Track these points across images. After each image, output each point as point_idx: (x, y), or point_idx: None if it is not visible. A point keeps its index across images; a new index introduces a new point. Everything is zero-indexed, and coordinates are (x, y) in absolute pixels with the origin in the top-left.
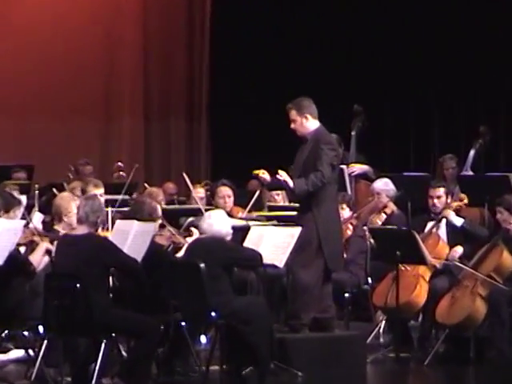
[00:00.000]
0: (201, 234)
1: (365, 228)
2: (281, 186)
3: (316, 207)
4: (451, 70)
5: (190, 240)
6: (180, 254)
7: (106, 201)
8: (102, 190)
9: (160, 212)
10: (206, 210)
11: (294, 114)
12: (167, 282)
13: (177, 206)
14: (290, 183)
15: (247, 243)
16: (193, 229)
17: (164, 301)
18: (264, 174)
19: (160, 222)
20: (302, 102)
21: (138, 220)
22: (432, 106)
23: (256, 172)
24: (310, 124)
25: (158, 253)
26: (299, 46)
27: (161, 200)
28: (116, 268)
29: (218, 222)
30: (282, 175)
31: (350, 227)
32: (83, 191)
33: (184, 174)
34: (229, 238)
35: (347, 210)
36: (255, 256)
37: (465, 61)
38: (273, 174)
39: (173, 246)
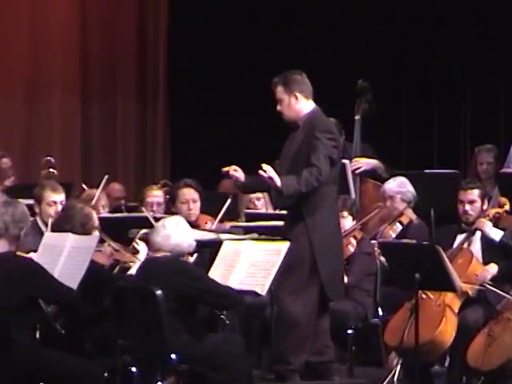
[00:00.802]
0: (154, 250)
1: (373, 242)
2: (260, 187)
3: (309, 215)
4: (486, 36)
5: (140, 258)
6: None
7: None
8: (62, 197)
9: (96, 221)
10: (156, 221)
11: (280, 91)
12: (113, 315)
13: (124, 215)
14: (277, 181)
15: (218, 263)
16: (137, 243)
17: (108, 339)
18: (237, 172)
19: (97, 234)
20: (292, 77)
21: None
22: (462, 83)
23: (225, 169)
24: (301, 105)
25: (99, 276)
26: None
27: (103, 206)
28: (44, 299)
29: (177, 234)
30: (267, 170)
31: (353, 242)
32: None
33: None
34: (191, 250)
35: (349, 218)
36: (231, 294)
37: (506, 26)
38: (250, 173)
39: (119, 267)
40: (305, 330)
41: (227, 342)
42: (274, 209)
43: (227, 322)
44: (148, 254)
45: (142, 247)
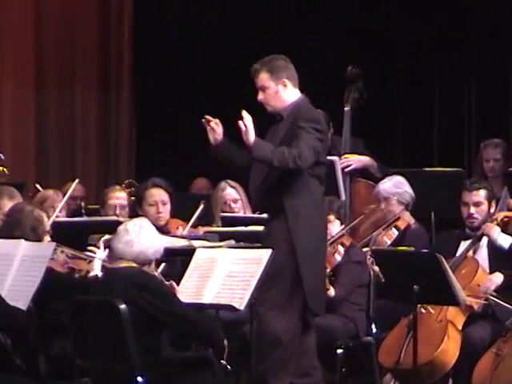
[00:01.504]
0: (116, 258)
1: (365, 250)
2: (233, 155)
3: (293, 219)
4: (493, 19)
5: (95, 266)
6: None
7: None
8: None
9: (47, 225)
10: (116, 225)
11: (264, 78)
12: (71, 332)
13: (85, 219)
14: (251, 137)
15: (191, 273)
16: (91, 250)
17: (66, 359)
18: (217, 127)
19: (48, 239)
20: (277, 62)
21: (18, 238)
22: (467, 68)
23: (208, 117)
24: (288, 94)
25: (57, 284)
26: None
27: (60, 209)
28: None
29: (141, 239)
30: (246, 119)
31: (341, 249)
32: None
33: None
34: (157, 256)
35: (337, 223)
36: (202, 322)
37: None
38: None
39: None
40: (288, 349)
41: (200, 362)
42: (254, 212)
43: None
44: (108, 262)
45: (98, 254)
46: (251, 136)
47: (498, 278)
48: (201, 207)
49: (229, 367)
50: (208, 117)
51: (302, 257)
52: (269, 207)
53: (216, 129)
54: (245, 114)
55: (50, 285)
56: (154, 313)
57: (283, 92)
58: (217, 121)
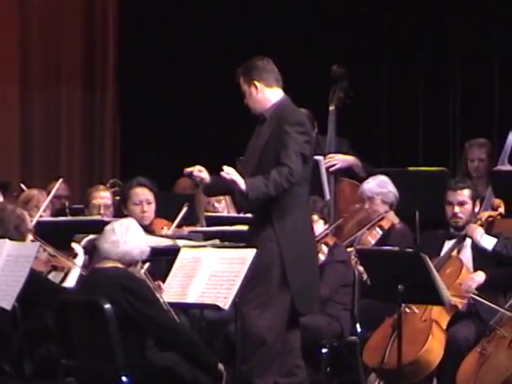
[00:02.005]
0: (102, 258)
1: (350, 250)
2: (227, 188)
3: (279, 218)
4: (479, 18)
5: (77, 263)
6: (67, 283)
7: None
8: None
9: (29, 223)
10: (101, 225)
11: (242, 82)
12: (55, 332)
13: (69, 218)
14: (241, 184)
15: (176, 273)
16: (74, 246)
17: (51, 360)
18: (201, 173)
19: (30, 238)
20: (254, 64)
21: (1, 237)
22: (451, 69)
23: (189, 169)
24: (265, 95)
25: (39, 287)
26: None
27: (44, 208)
28: None
29: (127, 240)
30: (229, 172)
31: (324, 249)
32: None
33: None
34: (143, 257)
35: (320, 222)
36: (183, 331)
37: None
38: (211, 172)
39: (55, 274)
40: (272, 349)
41: (185, 361)
42: (238, 212)
43: None
44: (93, 262)
45: (79, 250)
46: (241, 184)
47: (479, 277)
48: (184, 209)
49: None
50: (187, 170)
51: (288, 258)
52: (254, 208)
53: (200, 175)
54: (226, 168)
55: (33, 288)
56: (135, 316)
57: (256, 94)
58: (198, 167)
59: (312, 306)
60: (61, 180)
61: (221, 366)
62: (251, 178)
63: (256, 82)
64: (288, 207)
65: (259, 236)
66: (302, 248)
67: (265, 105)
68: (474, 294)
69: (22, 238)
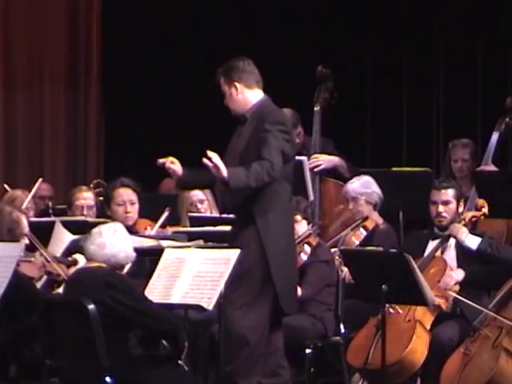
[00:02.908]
0: (87, 260)
1: (334, 251)
2: (202, 181)
3: (261, 218)
4: (462, 15)
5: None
6: (59, 291)
7: None
8: None
9: (26, 227)
10: (84, 225)
11: (222, 82)
12: (40, 332)
13: (53, 219)
14: (223, 171)
15: (159, 273)
16: (77, 256)
17: (35, 360)
18: (174, 165)
19: (26, 241)
20: (234, 64)
21: None
22: (436, 68)
23: (161, 160)
24: (245, 96)
25: (23, 289)
26: None
27: (28, 209)
28: None
29: (113, 243)
30: (213, 158)
31: (307, 249)
32: None
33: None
34: (128, 262)
35: (303, 223)
36: (169, 320)
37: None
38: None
39: (47, 279)
40: (256, 349)
41: (169, 362)
42: (220, 212)
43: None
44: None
45: (81, 260)
46: (223, 171)
47: (458, 274)
48: (166, 213)
49: (186, 368)
50: (160, 161)
51: (272, 258)
52: (236, 208)
53: (172, 167)
54: (210, 153)
55: (17, 291)
56: (123, 311)
57: (236, 95)
58: (171, 159)
59: (294, 305)
60: (40, 180)
61: (186, 343)
62: (233, 168)
63: (236, 83)
64: (270, 206)
65: (242, 236)
66: (284, 248)
67: (245, 106)
68: (452, 291)
69: (15, 242)
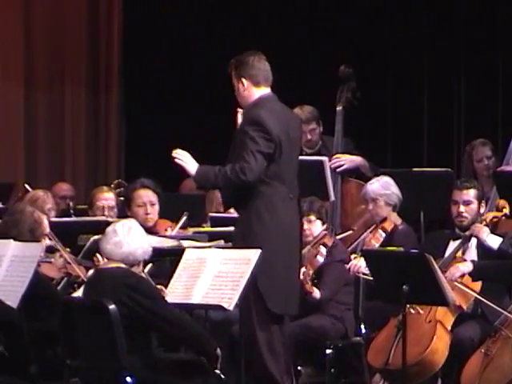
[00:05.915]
0: (106, 259)
1: (350, 249)
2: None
3: (244, 219)
4: (483, 19)
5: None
6: (78, 293)
7: None
8: None
9: (47, 227)
10: (105, 226)
11: (233, 74)
12: (60, 333)
13: (74, 219)
14: (189, 168)
15: (180, 274)
16: (99, 256)
17: (56, 360)
18: (182, 158)
19: (48, 242)
20: (244, 60)
21: (15, 239)
22: (455, 69)
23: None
24: (251, 93)
25: (43, 290)
26: None
27: (49, 209)
28: None
29: (129, 240)
30: (177, 156)
31: (323, 250)
32: None
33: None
34: (146, 257)
35: (318, 223)
36: (191, 327)
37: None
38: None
39: (67, 280)
40: (270, 349)
41: (190, 363)
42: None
43: None
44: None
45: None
46: (189, 169)
47: (465, 267)
48: (184, 218)
49: (223, 376)
50: (175, 152)
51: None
52: (229, 209)
53: (183, 159)
54: (177, 151)
55: (38, 292)
56: (142, 314)
57: (243, 91)
58: (177, 151)
59: (286, 305)
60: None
61: (218, 351)
62: (206, 166)
63: (243, 80)
64: (253, 210)
65: (234, 236)
66: (273, 248)
67: (247, 102)
68: (457, 282)
69: (37, 242)
